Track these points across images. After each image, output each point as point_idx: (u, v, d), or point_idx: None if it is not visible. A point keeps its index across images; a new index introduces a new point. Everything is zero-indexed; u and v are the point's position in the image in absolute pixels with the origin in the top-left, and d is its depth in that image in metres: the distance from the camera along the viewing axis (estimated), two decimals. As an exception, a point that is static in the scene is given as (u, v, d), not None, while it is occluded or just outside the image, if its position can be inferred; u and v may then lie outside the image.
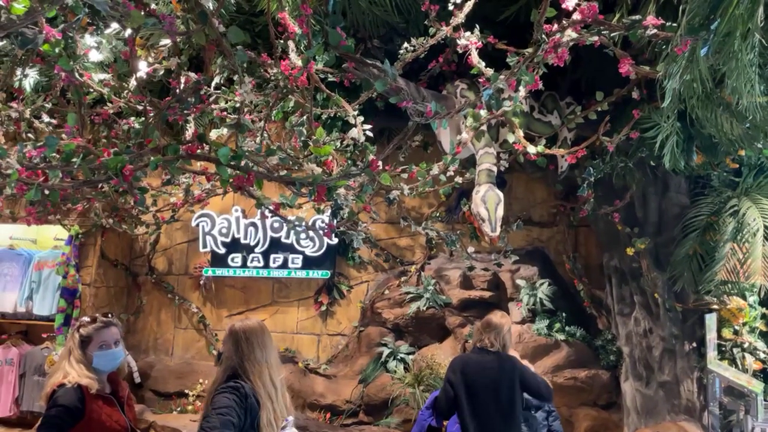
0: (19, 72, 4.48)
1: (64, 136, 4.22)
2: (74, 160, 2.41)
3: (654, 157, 4.40)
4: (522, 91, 3.57)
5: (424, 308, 6.07)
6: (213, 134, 5.23)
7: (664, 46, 2.70)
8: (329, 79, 4.33)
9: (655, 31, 2.56)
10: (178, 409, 6.30)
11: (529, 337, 5.65)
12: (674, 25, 2.55)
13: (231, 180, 3.52)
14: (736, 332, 5.18)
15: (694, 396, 4.97)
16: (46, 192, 2.15)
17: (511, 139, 3.94)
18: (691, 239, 4.82)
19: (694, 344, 5.08)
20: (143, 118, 3.85)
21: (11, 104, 4.66)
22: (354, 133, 3.40)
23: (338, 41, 2.53)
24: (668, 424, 4.89)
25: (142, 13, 2.70)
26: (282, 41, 3.56)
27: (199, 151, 2.50)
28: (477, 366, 3.57)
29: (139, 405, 5.92)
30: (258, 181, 2.66)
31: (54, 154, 2.43)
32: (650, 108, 4.08)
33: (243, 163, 2.36)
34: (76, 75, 2.89)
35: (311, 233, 6.34)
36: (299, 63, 3.25)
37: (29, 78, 4.83)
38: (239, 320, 2.87)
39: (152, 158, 2.24)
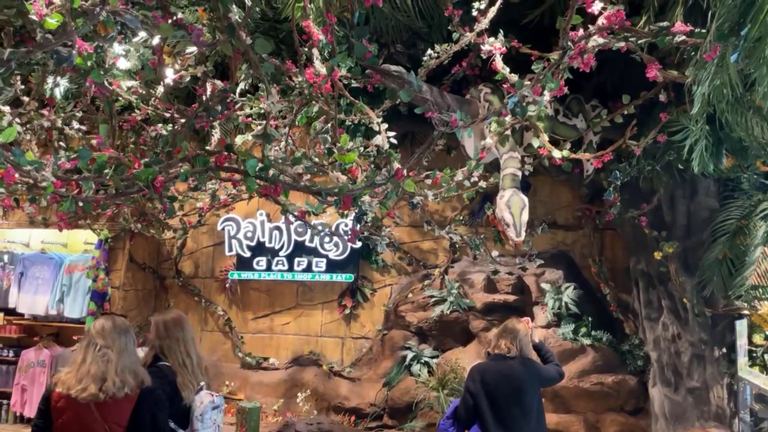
0: (50, 81, 4.61)
1: (93, 143, 4.31)
2: (106, 171, 2.46)
3: (682, 160, 4.34)
4: (546, 96, 3.56)
5: (448, 312, 6.06)
6: (238, 140, 5.30)
7: (693, 53, 2.66)
8: (353, 85, 4.36)
9: (684, 37, 2.53)
10: (205, 410, 6.37)
11: (555, 341, 5.60)
12: (703, 31, 2.51)
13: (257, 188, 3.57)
14: (767, 338, 5.07)
15: (724, 402, 4.88)
16: (80, 204, 2.20)
17: (535, 143, 3.91)
18: (720, 243, 4.73)
19: (724, 350, 4.98)
20: (171, 126, 3.93)
21: (43, 112, 4.78)
22: (378, 140, 3.42)
23: (363, 53, 2.55)
24: (697, 430, 4.81)
25: (169, 22, 2.76)
26: (306, 49, 3.59)
27: (226, 162, 2.53)
28: (497, 374, 3.53)
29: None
30: (285, 192, 2.70)
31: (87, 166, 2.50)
32: (678, 111, 4.03)
33: (270, 173, 2.39)
34: (107, 85, 2.94)
35: (336, 234, 6.39)
36: (323, 71, 3.28)
37: (60, 86, 4.95)
38: (159, 312, 3.52)
39: (182, 170, 2.28)
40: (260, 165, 2.32)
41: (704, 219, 5.06)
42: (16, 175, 2.05)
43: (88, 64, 2.62)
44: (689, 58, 3.07)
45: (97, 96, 4.78)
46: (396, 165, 2.98)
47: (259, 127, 3.25)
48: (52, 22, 2.35)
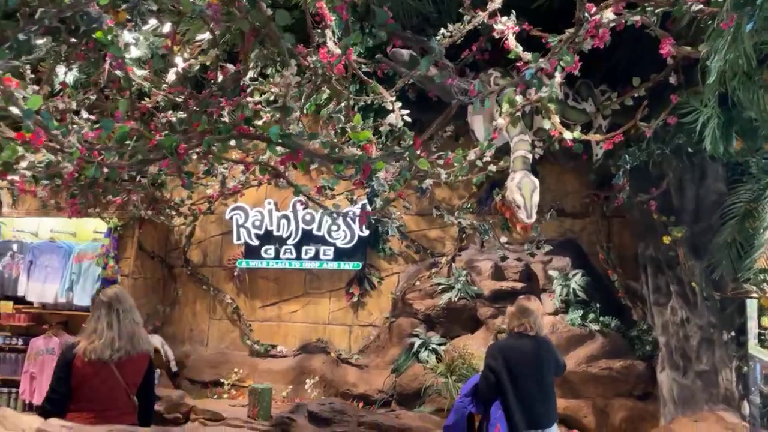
0: (63, 67, 4.64)
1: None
2: (127, 142, 2.50)
3: (692, 143, 4.36)
4: (558, 77, 3.58)
5: (456, 299, 6.08)
6: (248, 126, 5.30)
7: (709, 22, 2.69)
8: (363, 70, 4.39)
9: (701, 6, 2.55)
10: (214, 397, 6.42)
11: (563, 327, 5.63)
12: (719, 0, 2.54)
13: (269, 168, 3.59)
14: (775, 321, 5.09)
15: (733, 385, 4.90)
16: (105, 170, 2.23)
17: (547, 125, 3.93)
18: (729, 227, 4.75)
19: (733, 333, 5.01)
20: (183, 110, 3.96)
21: (55, 98, 4.81)
22: (392, 118, 3.44)
23: (385, 20, 2.57)
24: (706, 413, 4.83)
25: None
26: (320, 30, 3.62)
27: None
28: (517, 351, 3.58)
29: (179, 391, 6.05)
30: (302, 163, 2.72)
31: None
32: (688, 93, 4.05)
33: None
34: (127, 62, 2.97)
35: (345, 222, 6.43)
36: (337, 50, 3.30)
37: (69, 75, 4.97)
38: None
39: (206, 138, 2.31)
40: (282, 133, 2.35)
41: (713, 203, 5.08)
42: (43, 140, 2.07)
43: (109, 38, 2.64)
44: (701, 35, 3.10)
45: (107, 81, 4.81)
46: (409, 141, 3.01)
47: (277, 103, 3.28)
48: (73, -5, 2.38)
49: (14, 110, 2.02)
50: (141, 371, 3.27)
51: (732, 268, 4.75)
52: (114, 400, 3.18)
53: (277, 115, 3.84)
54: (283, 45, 2.51)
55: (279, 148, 2.45)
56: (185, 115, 3.40)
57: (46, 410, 3.04)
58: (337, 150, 3.40)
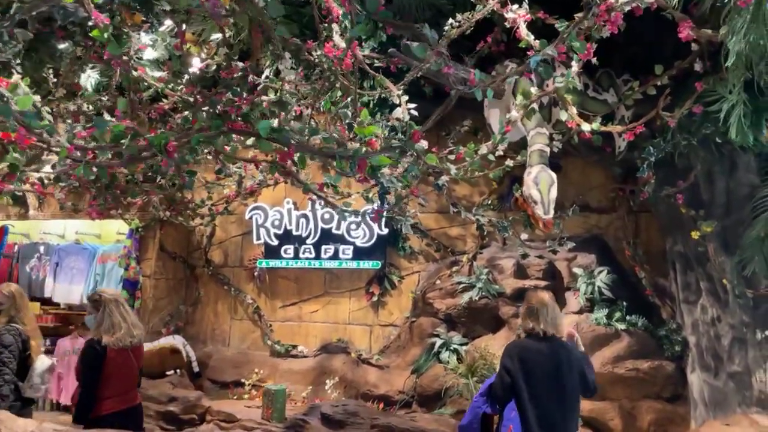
0: (84, 75, 4.68)
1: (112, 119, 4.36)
2: (123, 141, 2.46)
3: (720, 133, 4.15)
4: (575, 66, 3.43)
5: (477, 298, 5.94)
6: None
7: (726, 1, 2.52)
8: (376, 64, 4.30)
9: (718, -15, 2.39)
10: (235, 397, 6.41)
11: (588, 326, 5.43)
12: (738, -23, 2.37)
13: (276, 162, 3.52)
14: (813, 320, 4.82)
15: (767, 387, 4.66)
16: (94, 169, 2.19)
17: (563, 116, 3.78)
18: (762, 221, 4.50)
19: (767, 332, 4.76)
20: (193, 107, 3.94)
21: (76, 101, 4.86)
22: (399, 112, 3.35)
23: (376, 7, 2.47)
24: (739, 416, 4.60)
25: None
26: (326, 24, 3.54)
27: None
28: (535, 353, 3.41)
29: (197, 392, 6.05)
30: (300, 158, 2.65)
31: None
32: (715, 80, 3.84)
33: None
34: (129, 61, 2.95)
35: (364, 221, 6.35)
36: (343, 44, 3.22)
37: (90, 78, 5.02)
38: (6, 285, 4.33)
39: (195, 135, 2.25)
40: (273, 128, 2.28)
41: (744, 196, 4.82)
42: (32, 140, 2.04)
43: (105, 35, 2.61)
44: (724, 20, 2.92)
45: (122, 80, 4.85)
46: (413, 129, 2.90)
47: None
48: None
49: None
50: (143, 353, 3.99)
51: (765, 264, 4.50)
52: (132, 382, 3.82)
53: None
54: (275, 36, 2.44)
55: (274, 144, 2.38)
56: (191, 112, 3.37)
57: (88, 405, 3.56)
58: (341, 147, 3.33)
